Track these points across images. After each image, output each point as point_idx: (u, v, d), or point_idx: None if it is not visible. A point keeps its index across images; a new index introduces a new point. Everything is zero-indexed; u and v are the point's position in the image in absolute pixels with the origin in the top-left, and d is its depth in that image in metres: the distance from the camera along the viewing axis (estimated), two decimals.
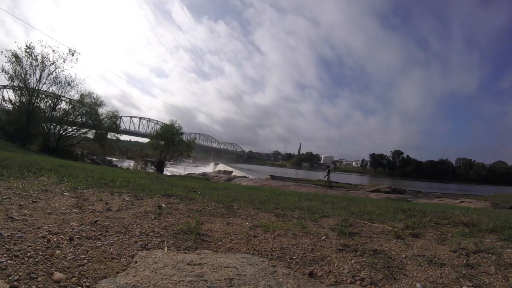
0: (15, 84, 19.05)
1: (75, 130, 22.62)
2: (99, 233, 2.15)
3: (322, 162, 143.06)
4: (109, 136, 25.04)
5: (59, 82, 19.73)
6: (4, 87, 22.73)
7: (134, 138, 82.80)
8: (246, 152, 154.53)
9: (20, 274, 1.42)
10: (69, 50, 19.33)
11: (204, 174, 32.72)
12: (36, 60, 18.47)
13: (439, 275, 1.86)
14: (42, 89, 19.43)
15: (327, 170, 22.74)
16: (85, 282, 1.45)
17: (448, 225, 3.37)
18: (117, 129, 26.96)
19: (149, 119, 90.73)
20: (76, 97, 21.54)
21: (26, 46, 18.02)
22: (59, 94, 20.45)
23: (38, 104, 19.74)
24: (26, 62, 18.35)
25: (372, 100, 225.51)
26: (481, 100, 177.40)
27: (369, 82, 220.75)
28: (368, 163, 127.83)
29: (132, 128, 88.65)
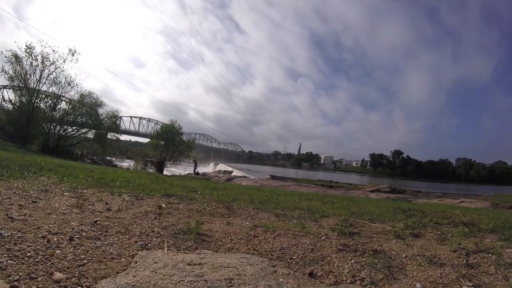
0: (15, 84, 19.05)
1: (75, 130, 22.63)
2: (99, 233, 2.15)
3: (322, 162, 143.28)
4: (109, 136, 25.05)
5: (59, 82, 19.75)
6: (4, 87, 22.74)
7: (134, 138, 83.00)
8: (246, 152, 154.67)
9: (20, 274, 1.42)
10: (69, 50, 19.35)
11: (204, 174, 32.68)
12: (36, 60, 18.48)
13: (439, 275, 1.87)
14: (42, 89, 19.44)
15: (194, 162, 27.12)
16: (85, 282, 1.45)
17: (448, 225, 3.37)
18: (117, 129, 26.97)
19: (149, 119, 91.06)
20: (76, 97, 21.58)
21: (26, 46, 18.04)
22: (59, 94, 20.46)
23: (38, 104, 19.74)
24: (26, 62, 18.37)
25: (373, 92, 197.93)
26: (495, 91, 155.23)
27: (369, 68, 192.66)
28: (368, 163, 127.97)
29: (132, 128, 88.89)
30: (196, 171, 26.36)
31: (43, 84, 19.24)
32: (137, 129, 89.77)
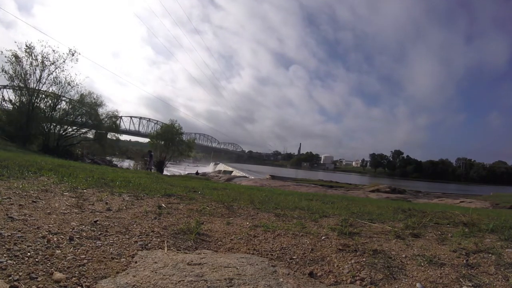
0: (15, 84, 19.04)
1: (75, 130, 22.63)
2: (99, 233, 2.15)
3: (322, 162, 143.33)
4: (109, 136, 25.06)
5: (59, 82, 19.75)
6: (4, 87, 22.76)
7: (134, 138, 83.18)
8: (246, 152, 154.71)
9: (20, 274, 1.42)
10: (69, 50, 19.37)
11: (204, 174, 32.71)
12: (36, 60, 18.49)
13: (439, 275, 1.86)
14: (42, 89, 19.45)
15: (149, 154, 19.59)
16: (85, 282, 1.45)
17: (448, 225, 3.37)
18: (117, 129, 27.00)
19: (149, 119, 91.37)
20: (76, 97, 21.58)
21: (26, 46, 18.05)
22: (59, 94, 20.46)
23: (38, 104, 19.74)
24: (26, 62, 18.38)
25: (375, 82, 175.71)
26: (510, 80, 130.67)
27: (370, 51, 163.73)
28: (368, 163, 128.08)
29: (132, 128, 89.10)
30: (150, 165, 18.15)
31: (43, 84, 19.29)
32: (137, 129, 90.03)
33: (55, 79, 19.46)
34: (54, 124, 20.96)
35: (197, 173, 28.56)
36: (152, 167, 19.12)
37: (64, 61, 19.16)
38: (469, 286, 1.73)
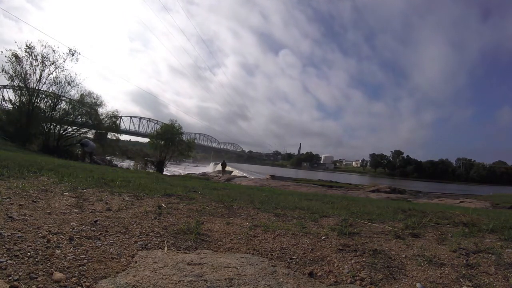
0: (15, 84, 19.05)
1: (75, 130, 22.60)
2: (99, 233, 2.15)
3: (322, 162, 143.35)
4: (109, 136, 25.05)
5: (59, 82, 19.75)
6: (4, 87, 22.71)
7: (134, 138, 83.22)
8: (246, 152, 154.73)
9: (20, 274, 1.42)
10: (69, 50, 19.37)
11: (204, 174, 32.71)
12: (36, 60, 18.48)
13: (439, 275, 1.87)
14: (42, 89, 19.45)
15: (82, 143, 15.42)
16: (85, 282, 1.45)
17: (448, 225, 3.37)
18: (117, 129, 26.97)
19: (149, 118, 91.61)
20: (76, 97, 21.58)
21: (26, 45, 18.03)
22: (59, 94, 20.46)
23: (38, 104, 19.73)
24: (26, 62, 18.37)
25: (376, 69, 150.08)
26: None
27: (372, 28, 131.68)
28: (368, 163, 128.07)
29: (132, 128, 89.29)
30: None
31: (43, 84, 19.26)
32: (137, 129, 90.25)
33: (55, 79, 19.48)
34: (54, 124, 20.93)
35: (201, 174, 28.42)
36: (87, 160, 14.95)
37: (64, 61, 19.19)
38: (469, 286, 1.73)
